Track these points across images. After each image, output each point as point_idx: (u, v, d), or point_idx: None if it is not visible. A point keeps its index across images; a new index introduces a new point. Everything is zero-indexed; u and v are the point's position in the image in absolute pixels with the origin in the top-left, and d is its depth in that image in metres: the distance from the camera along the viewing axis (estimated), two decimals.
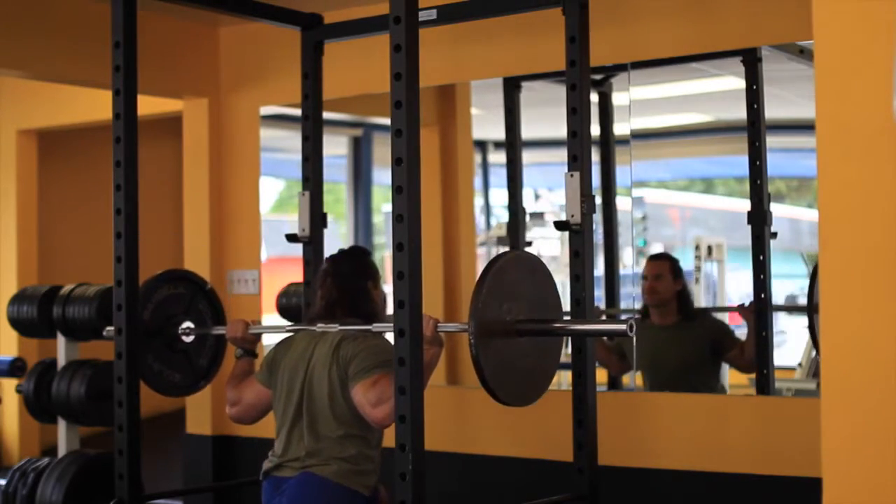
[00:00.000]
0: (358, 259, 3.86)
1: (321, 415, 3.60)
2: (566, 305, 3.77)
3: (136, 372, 4.00)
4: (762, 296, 4.60)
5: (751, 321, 4.69)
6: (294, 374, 3.68)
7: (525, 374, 3.55)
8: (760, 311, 4.61)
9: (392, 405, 3.28)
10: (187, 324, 4.30)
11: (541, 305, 3.57)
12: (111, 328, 4.05)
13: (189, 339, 4.31)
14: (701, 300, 5.63)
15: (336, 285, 3.76)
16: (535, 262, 3.68)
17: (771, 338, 4.62)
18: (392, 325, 3.25)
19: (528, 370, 3.56)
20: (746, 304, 4.72)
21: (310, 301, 4.08)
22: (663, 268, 5.11)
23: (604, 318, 5.50)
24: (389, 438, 3.30)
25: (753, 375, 4.75)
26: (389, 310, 3.35)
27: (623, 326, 3.41)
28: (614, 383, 5.40)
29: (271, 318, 5.45)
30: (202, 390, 4.49)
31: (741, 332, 4.85)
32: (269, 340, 4.41)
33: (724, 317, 5.36)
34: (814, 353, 4.97)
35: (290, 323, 4.62)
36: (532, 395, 3.63)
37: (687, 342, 5.04)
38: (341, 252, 3.90)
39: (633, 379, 5.14)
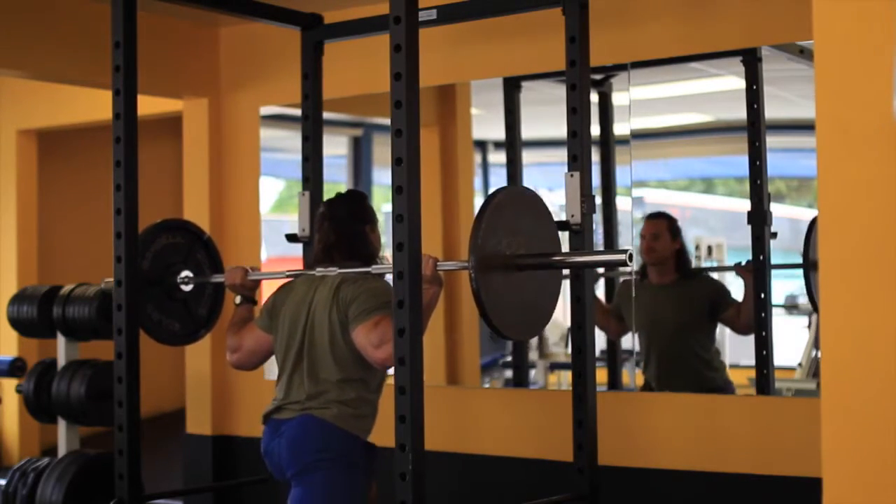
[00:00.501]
0: (355, 202, 3.87)
1: (322, 358, 3.62)
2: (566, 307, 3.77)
3: (137, 371, 4.01)
4: (762, 295, 4.60)
5: (748, 281, 4.70)
6: (295, 319, 3.70)
7: (525, 308, 3.56)
8: (759, 309, 4.61)
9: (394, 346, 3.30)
10: (186, 273, 4.31)
11: (540, 240, 3.57)
12: (109, 279, 4.05)
13: (188, 288, 4.32)
14: None
15: (333, 229, 3.78)
16: (533, 197, 3.68)
17: (771, 338, 4.62)
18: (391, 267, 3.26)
19: (529, 304, 3.57)
20: (743, 263, 4.74)
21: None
22: (661, 226, 5.14)
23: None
24: (390, 438, 3.29)
25: (753, 375, 4.75)
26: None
27: (622, 256, 3.43)
28: (614, 383, 5.40)
29: None
30: (203, 338, 4.49)
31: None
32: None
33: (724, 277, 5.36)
34: (814, 352, 4.97)
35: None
36: (532, 329, 3.64)
37: (685, 301, 5.06)
38: (338, 195, 3.91)
39: (633, 379, 5.14)
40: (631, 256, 3.40)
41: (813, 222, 4.55)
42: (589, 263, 3.84)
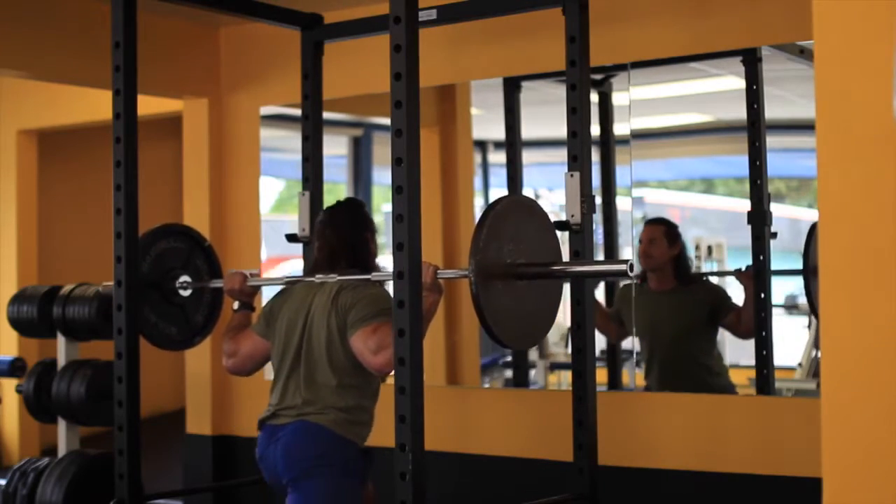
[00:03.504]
0: (356, 210, 3.88)
1: (319, 363, 3.62)
2: (566, 304, 3.76)
3: (137, 371, 4.01)
4: (762, 296, 4.60)
5: (749, 286, 4.70)
6: (293, 324, 3.69)
7: (525, 317, 3.55)
8: (759, 309, 4.61)
9: (392, 352, 3.29)
10: (185, 277, 4.30)
11: (540, 248, 3.57)
12: (108, 283, 4.05)
13: (186, 293, 4.31)
14: None
15: (336, 235, 3.78)
16: (534, 205, 3.67)
17: (771, 338, 4.62)
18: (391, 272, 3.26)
19: (529, 313, 3.56)
20: (744, 268, 4.73)
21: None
22: (657, 232, 5.13)
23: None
24: (390, 438, 3.29)
25: (753, 375, 4.75)
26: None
27: (623, 266, 3.40)
28: (614, 383, 5.39)
29: None
30: (200, 344, 4.49)
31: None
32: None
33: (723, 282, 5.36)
34: (814, 352, 4.97)
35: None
36: (532, 337, 3.63)
37: (684, 307, 5.05)
38: (338, 203, 3.91)
39: (632, 379, 5.14)
40: (632, 266, 3.37)
41: (813, 228, 4.54)
42: (589, 273, 3.82)
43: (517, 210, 3.55)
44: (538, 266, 3.53)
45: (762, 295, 4.60)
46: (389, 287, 3.37)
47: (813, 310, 4.74)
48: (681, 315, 5.05)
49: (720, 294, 5.12)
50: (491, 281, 3.36)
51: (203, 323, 4.42)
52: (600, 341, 5.06)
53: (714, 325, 4.97)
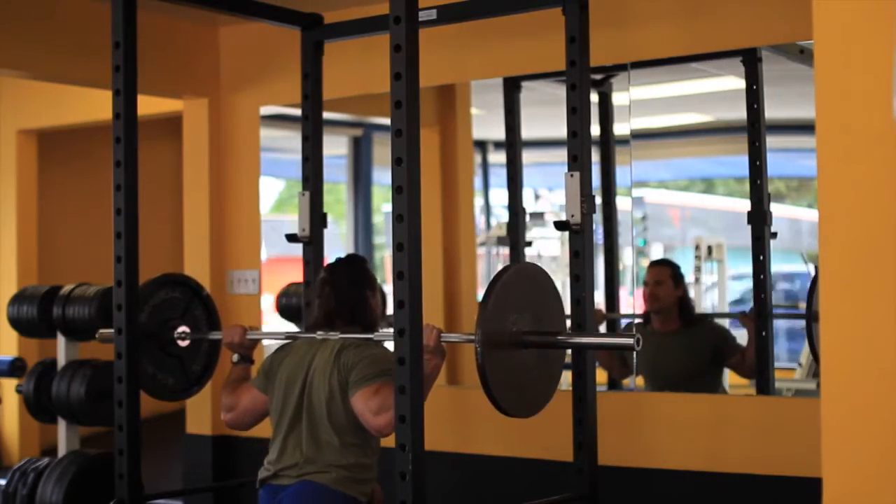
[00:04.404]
0: (356, 267, 3.86)
1: (320, 421, 3.60)
2: (567, 306, 3.77)
3: (136, 371, 4.00)
4: (762, 296, 4.60)
5: (751, 328, 4.69)
6: (292, 381, 3.67)
7: (529, 386, 3.56)
8: (761, 314, 4.60)
9: (393, 414, 3.28)
10: (183, 328, 4.29)
11: (545, 316, 3.58)
12: (104, 331, 4.05)
13: (184, 343, 4.30)
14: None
15: (335, 294, 3.76)
16: (539, 272, 3.69)
17: (771, 338, 4.62)
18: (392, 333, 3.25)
19: (533, 381, 3.57)
20: (747, 311, 4.73)
21: (309, 301, 4.08)
22: (664, 274, 5.11)
23: (605, 328, 5.50)
24: (389, 438, 3.30)
25: None
26: (390, 310, 3.35)
27: (630, 341, 3.39)
28: (614, 383, 5.39)
29: (271, 317, 5.45)
30: (198, 393, 4.49)
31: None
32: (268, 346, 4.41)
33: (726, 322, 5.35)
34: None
35: (289, 325, 4.60)
36: (535, 406, 3.63)
37: (688, 348, 5.04)
38: (339, 260, 3.89)
39: (633, 379, 5.14)
40: (639, 341, 3.35)
41: (815, 279, 4.54)
42: (594, 346, 3.83)
43: (523, 280, 3.55)
44: (543, 335, 3.54)
45: (762, 295, 4.60)
46: (390, 345, 3.36)
47: (814, 354, 4.73)
48: (685, 356, 5.03)
49: (724, 335, 5.10)
50: (496, 351, 3.37)
51: (200, 373, 4.41)
52: None
53: (719, 366, 4.96)
